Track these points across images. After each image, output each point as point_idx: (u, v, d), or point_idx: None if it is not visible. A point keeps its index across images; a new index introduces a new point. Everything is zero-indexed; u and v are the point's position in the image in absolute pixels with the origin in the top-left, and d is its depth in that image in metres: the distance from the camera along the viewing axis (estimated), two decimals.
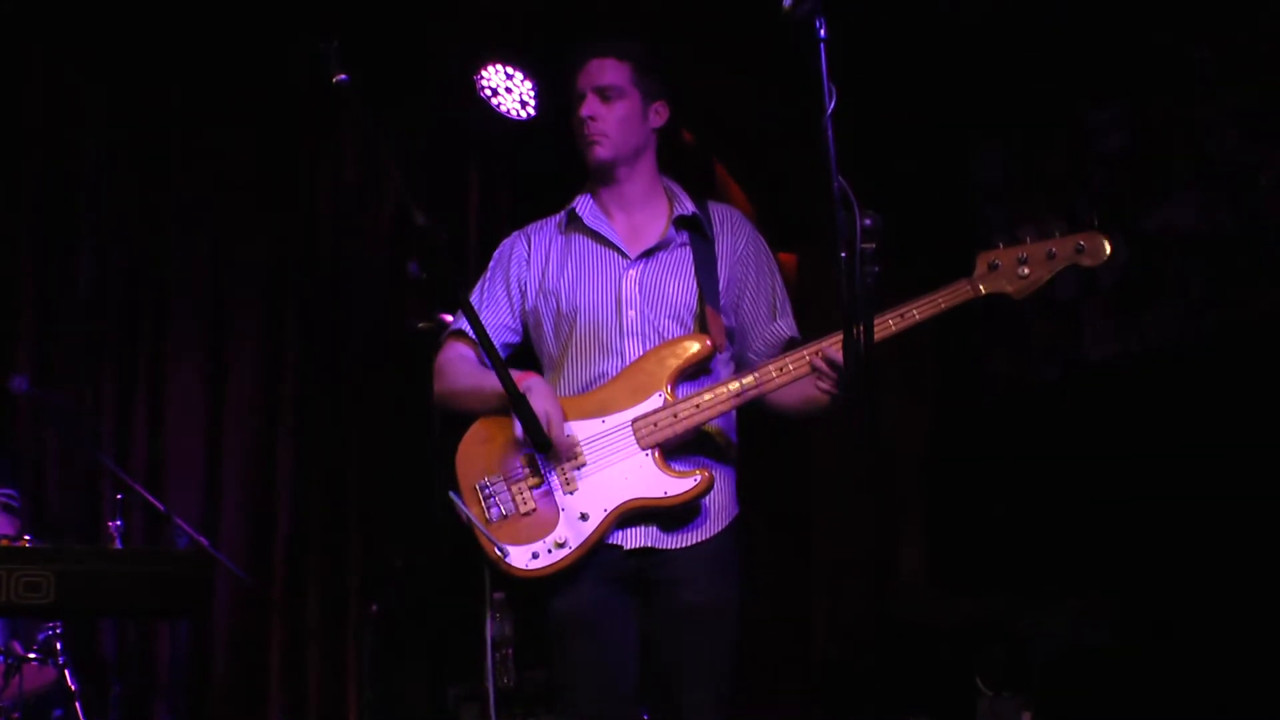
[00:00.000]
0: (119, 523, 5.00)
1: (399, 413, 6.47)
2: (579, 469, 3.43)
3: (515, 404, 3.24)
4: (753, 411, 3.59)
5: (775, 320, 3.65)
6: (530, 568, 3.36)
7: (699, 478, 3.40)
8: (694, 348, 3.48)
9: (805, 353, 3.39)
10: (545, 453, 3.34)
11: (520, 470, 3.45)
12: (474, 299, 3.70)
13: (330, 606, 6.52)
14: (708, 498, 3.45)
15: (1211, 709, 4.82)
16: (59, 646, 4.88)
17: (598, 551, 3.40)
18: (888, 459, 6.45)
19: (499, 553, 3.35)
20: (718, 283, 3.58)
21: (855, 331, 2.99)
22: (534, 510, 3.41)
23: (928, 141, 6.44)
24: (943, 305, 3.38)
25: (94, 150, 6.34)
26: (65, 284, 6.22)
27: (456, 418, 3.61)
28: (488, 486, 3.45)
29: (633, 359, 3.51)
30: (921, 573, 6.40)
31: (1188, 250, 5.58)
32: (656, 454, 3.42)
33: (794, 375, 3.41)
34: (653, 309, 3.54)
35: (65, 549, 2.94)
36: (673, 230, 3.62)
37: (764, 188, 7.11)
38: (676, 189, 3.70)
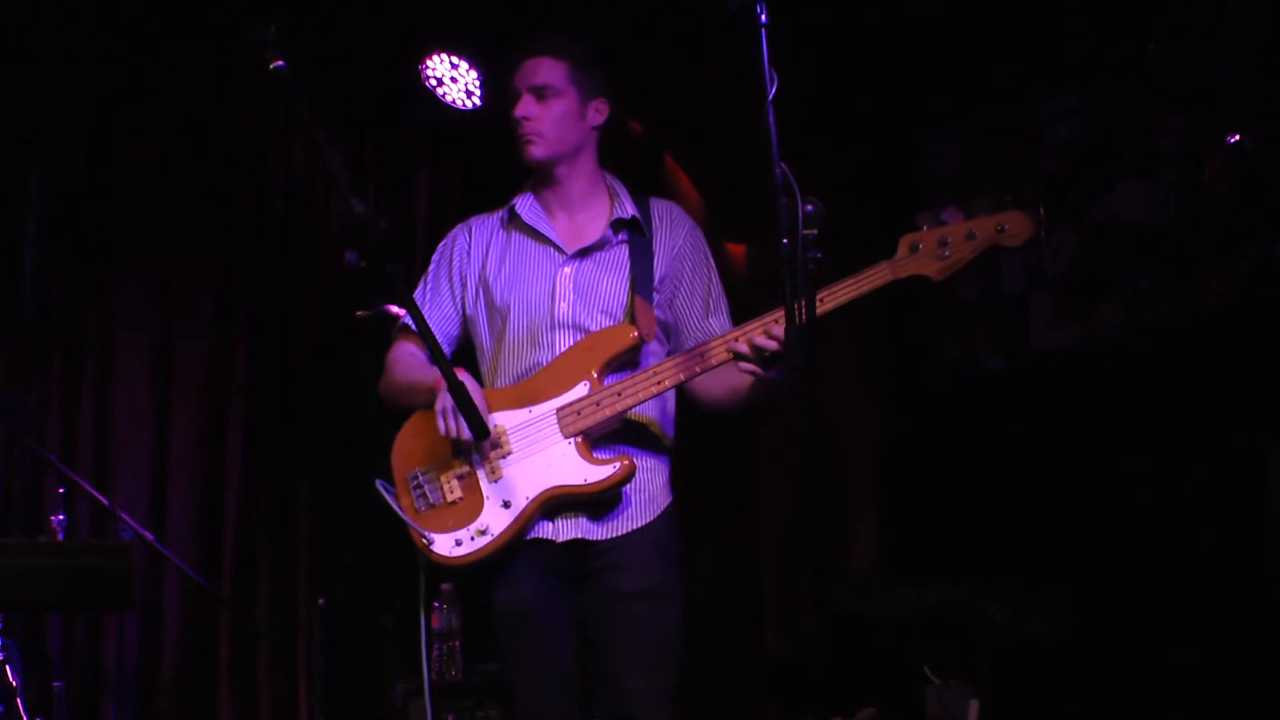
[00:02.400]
0: (62, 517, 4.96)
1: (350, 405, 6.44)
2: (505, 458, 3.48)
3: (454, 392, 3.25)
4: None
5: (708, 318, 3.68)
6: (453, 554, 3.44)
7: (618, 465, 3.43)
8: (620, 337, 3.50)
9: (726, 338, 3.40)
10: (483, 439, 3.35)
11: (449, 461, 3.51)
12: (418, 293, 3.75)
13: (280, 602, 6.49)
14: (635, 486, 3.49)
15: (1161, 700, 4.85)
16: (0, 642, 4.83)
17: (523, 541, 3.45)
18: (837, 448, 6.47)
19: (425, 540, 3.43)
20: (652, 278, 3.60)
21: (796, 315, 3.02)
22: (460, 499, 3.47)
23: (878, 131, 6.45)
24: (862, 289, 3.35)
25: (37, 143, 6.26)
26: (8, 277, 6.16)
27: (400, 412, 3.66)
28: (419, 476, 3.53)
29: (563, 350, 3.54)
30: (873, 563, 6.42)
31: (1135, 240, 5.62)
32: (579, 441, 3.45)
33: (714, 362, 3.43)
34: (585, 304, 3.57)
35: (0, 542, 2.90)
36: (610, 231, 3.64)
37: (712, 178, 7.11)
38: (619, 187, 3.73)
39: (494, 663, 5.25)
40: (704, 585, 6.72)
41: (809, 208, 3.03)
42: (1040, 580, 5.27)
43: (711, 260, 3.74)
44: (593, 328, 3.55)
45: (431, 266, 3.80)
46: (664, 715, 3.41)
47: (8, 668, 4.86)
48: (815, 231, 3.03)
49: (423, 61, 6.54)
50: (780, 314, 3.29)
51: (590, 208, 3.69)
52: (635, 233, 3.64)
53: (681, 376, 3.46)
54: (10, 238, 6.17)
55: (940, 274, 3.36)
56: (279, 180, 6.80)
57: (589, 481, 3.42)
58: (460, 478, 3.49)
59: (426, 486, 3.51)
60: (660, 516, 3.53)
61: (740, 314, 3.61)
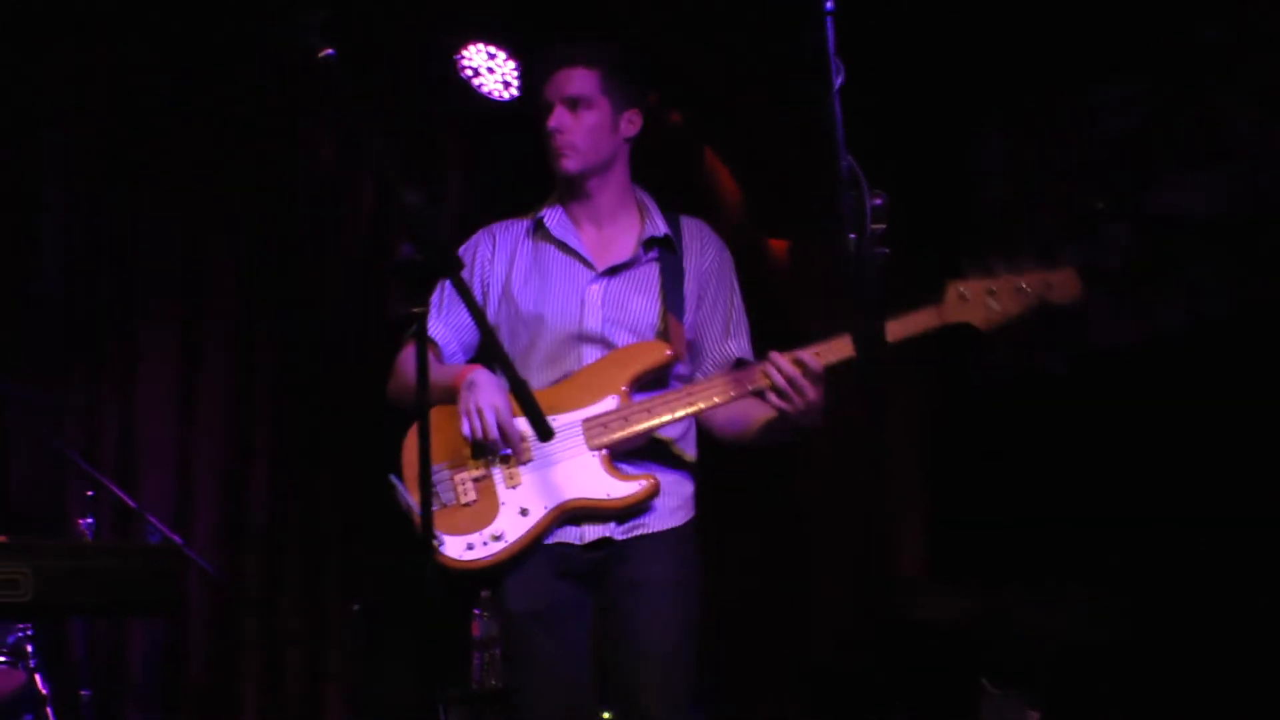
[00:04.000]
0: (90, 520, 4.97)
1: (381, 404, 6.42)
2: (524, 464, 3.46)
3: (518, 393, 3.15)
4: None
5: (727, 340, 3.66)
6: (464, 558, 3.41)
7: (643, 484, 3.44)
8: (654, 354, 3.51)
9: (765, 366, 3.38)
10: (547, 440, 3.33)
11: (464, 461, 3.50)
12: (435, 296, 3.72)
13: (309, 606, 6.47)
14: (659, 502, 3.48)
15: (1227, 705, 4.82)
16: (29, 649, 4.83)
17: (539, 549, 3.44)
18: (885, 451, 6.44)
19: (435, 541, 3.40)
20: (683, 297, 3.59)
21: (862, 319, 3.00)
22: (473, 502, 3.46)
23: (929, 121, 6.42)
24: (909, 330, 3.37)
25: (57, 136, 6.26)
26: (30, 274, 6.16)
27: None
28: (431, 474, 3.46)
29: (589, 363, 3.54)
30: (922, 568, 6.39)
31: (1196, 234, 5.58)
32: (604, 455, 3.45)
33: (750, 389, 3.41)
34: (613, 321, 3.56)
35: (43, 543, 2.90)
36: (640, 249, 3.63)
37: (755, 171, 7.09)
38: (649, 202, 3.72)
39: None
40: (746, 591, 6.76)
41: (876, 201, 3.01)
42: (1099, 585, 5.24)
43: (736, 282, 3.73)
44: (620, 344, 3.55)
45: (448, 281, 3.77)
46: (676, 709, 3.39)
47: (37, 677, 4.88)
48: (884, 226, 3.02)
49: (459, 51, 6.55)
50: (820, 348, 3.34)
51: (619, 221, 3.68)
52: (666, 250, 3.63)
53: (717, 399, 3.45)
54: (30, 234, 6.18)
55: (987, 325, 3.38)
56: (307, 174, 6.77)
57: (612, 497, 3.42)
58: (475, 480, 3.48)
59: (439, 486, 3.49)
60: (682, 528, 3.54)
61: (778, 313, 3.62)
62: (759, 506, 6.86)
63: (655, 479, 3.44)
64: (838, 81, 3.02)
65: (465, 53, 6.54)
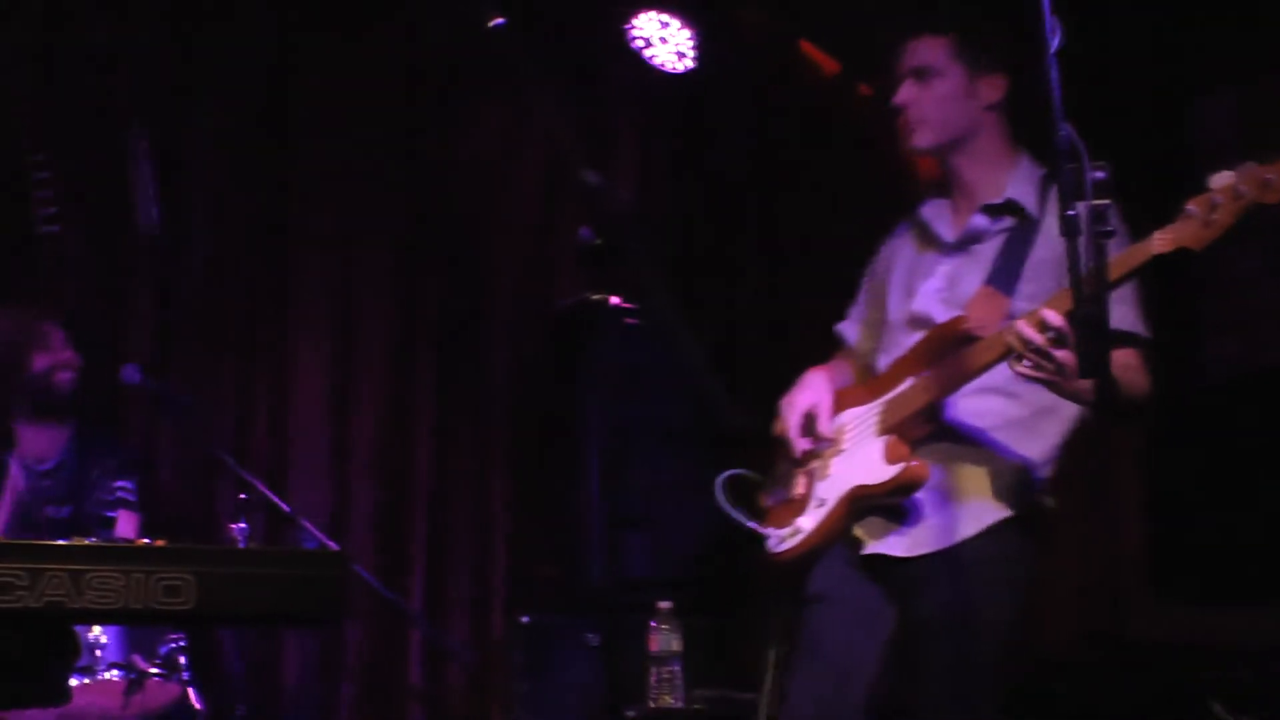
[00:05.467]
0: (244, 525, 5.07)
1: (551, 401, 6.46)
2: (837, 455, 3.62)
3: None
4: None
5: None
6: (775, 551, 3.65)
7: (900, 467, 3.43)
8: (948, 330, 3.49)
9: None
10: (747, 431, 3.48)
11: (806, 455, 3.71)
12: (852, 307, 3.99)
13: (473, 618, 6.55)
14: (945, 496, 3.45)
15: None
16: (182, 661, 4.95)
17: (835, 542, 3.56)
18: (1107, 459, 6.33)
19: (764, 536, 3.68)
20: (1021, 267, 3.50)
21: (1086, 298, 2.94)
22: (800, 495, 3.67)
23: (1143, 90, 6.30)
24: (1119, 271, 3.21)
25: (205, 119, 6.42)
26: (177, 266, 6.32)
27: None
28: (783, 472, 3.79)
29: (910, 347, 3.59)
30: (1139, 581, 6.27)
31: None
32: (890, 439, 3.49)
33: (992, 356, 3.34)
34: (947, 301, 3.58)
35: (204, 549, 2.97)
36: (984, 219, 3.59)
37: None
38: (1026, 170, 3.63)
39: (716, 686, 5.26)
40: None
41: (1098, 173, 2.95)
42: None
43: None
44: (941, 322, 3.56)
45: (863, 280, 3.97)
46: None
47: (190, 691, 5.00)
48: (1108, 201, 2.96)
49: (628, 20, 6.57)
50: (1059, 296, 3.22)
51: (988, 195, 3.62)
52: (1020, 218, 3.57)
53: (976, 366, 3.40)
54: (177, 228, 6.34)
55: (1201, 244, 3.22)
56: (467, 156, 6.83)
57: (876, 482, 3.46)
58: (809, 473, 3.68)
59: (784, 480, 3.75)
60: (981, 535, 3.45)
61: None
62: None
63: (919, 465, 3.43)
64: (1054, 43, 2.97)
65: (636, 21, 6.55)
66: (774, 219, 7.07)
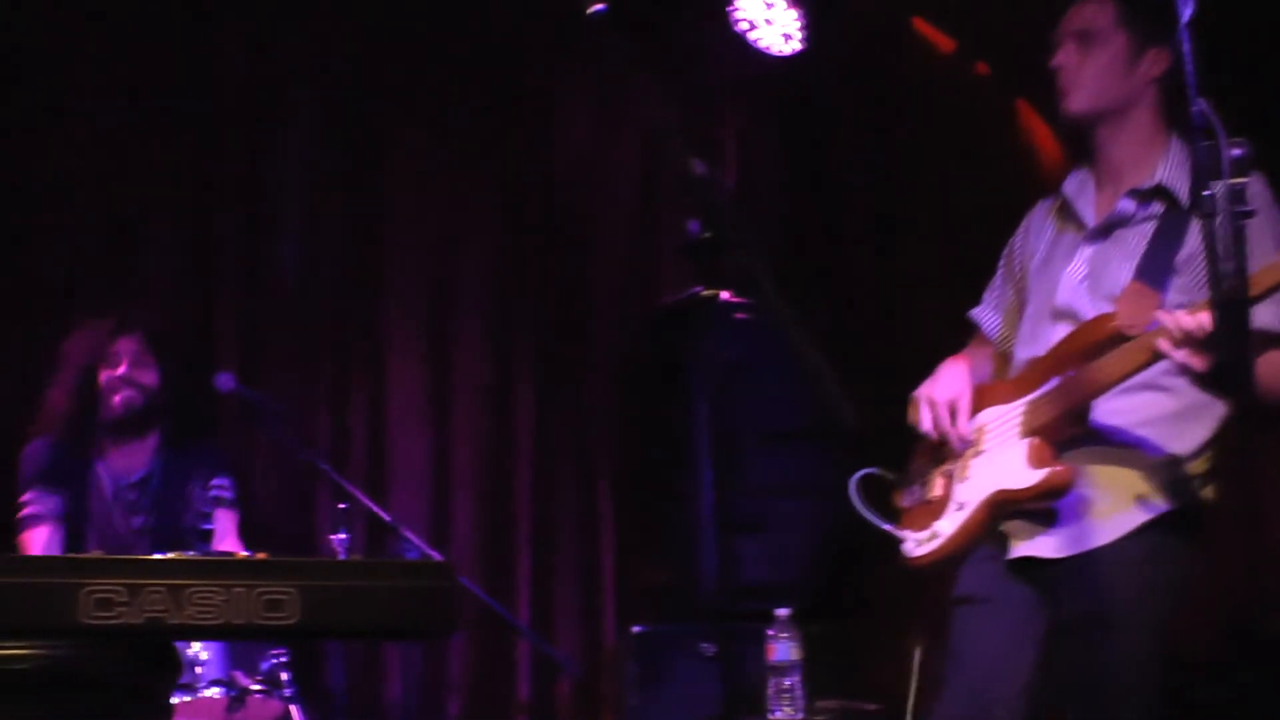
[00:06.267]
0: (343, 536, 5.10)
1: (656, 401, 6.46)
2: (976, 456, 3.61)
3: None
4: None
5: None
6: (913, 555, 3.67)
7: (1047, 472, 3.42)
8: (1095, 329, 3.44)
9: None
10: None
11: (942, 456, 3.72)
12: (985, 293, 3.99)
13: (583, 629, 6.58)
14: (1092, 497, 3.42)
15: None
16: (284, 677, 4.99)
17: (974, 547, 3.57)
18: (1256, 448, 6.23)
19: (901, 538, 3.69)
20: (1173, 258, 3.46)
21: (1222, 288, 2.90)
22: (937, 497, 3.67)
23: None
24: (1268, 283, 3.14)
25: (296, 115, 6.50)
26: (269, 269, 6.41)
27: None
28: (919, 472, 3.79)
29: (1055, 342, 3.55)
30: None
31: None
32: (1034, 442, 3.47)
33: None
34: (1091, 291, 3.54)
35: (309, 561, 2.97)
36: (1131, 204, 3.55)
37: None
38: (1181, 152, 3.56)
39: (837, 698, 5.24)
40: None
41: (1235, 151, 2.92)
42: None
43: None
44: (1086, 317, 3.51)
45: (1000, 262, 3.96)
46: None
47: (293, 709, 5.04)
48: (1245, 180, 2.92)
49: (731, 2, 6.56)
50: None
51: (1137, 176, 3.59)
52: (1170, 206, 3.52)
53: (1128, 367, 3.35)
54: (269, 232, 6.42)
55: None
56: (564, 150, 6.86)
57: (1020, 487, 3.46)
58: (946, 475, 3.68)
59: (921, 480, 3.76)
60: (1130, 536, 3.42)
61: None
62: None
63: (1065, 470, 3.41)
64: (1187, 12, 2.94)
65: (739, 2, 6.54)
66: (886, 207, 7.03)
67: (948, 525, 3.59)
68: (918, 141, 6.83)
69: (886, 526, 3.72)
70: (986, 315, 3.95)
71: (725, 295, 3.76)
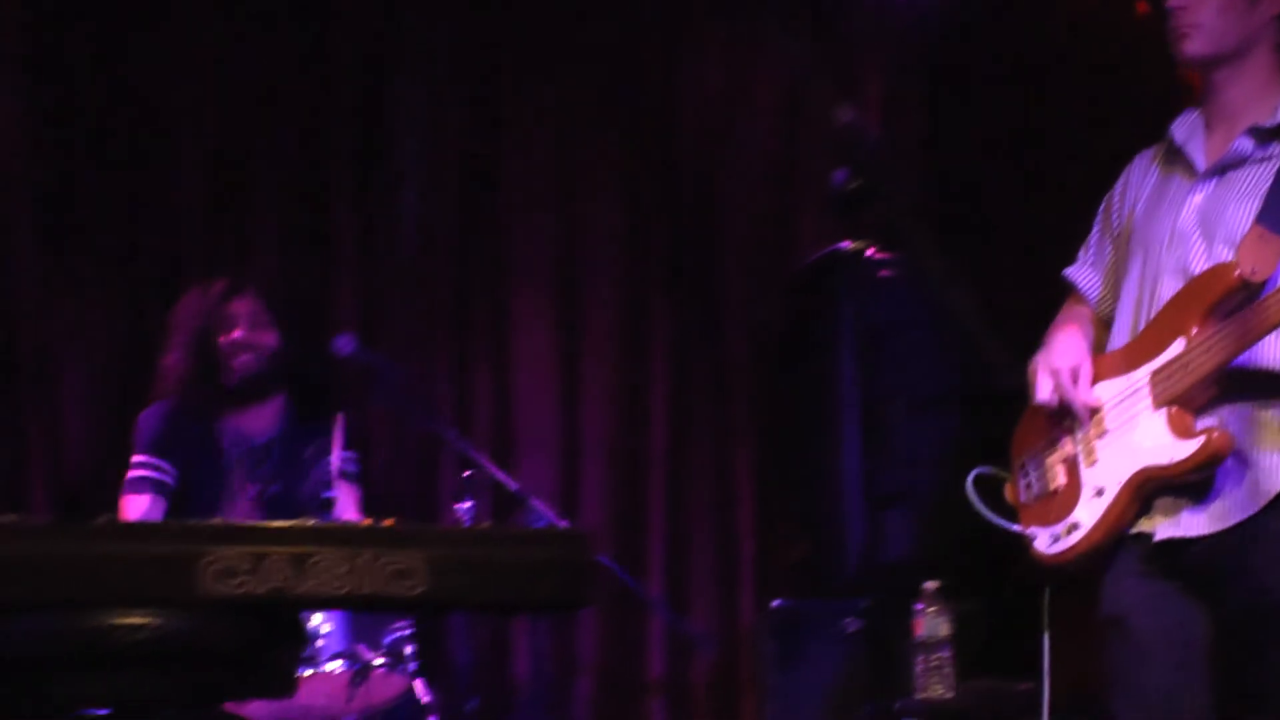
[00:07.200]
0: (469, 504, 5.11)
1: (796, 364, 6.41)
2: (1100, 437, 3.48)
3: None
4: None
5: None
6: (1049, 552, 3.53)
7: (1202, 439, 3.28)
8: (1217, 281, 3.34)
9: None
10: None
11: (1054, 442, 3.60)
12: (1081, 252, 3.86)
13: (719, 604, 6.57)
14: (1242, 461, 3.29)
15: None
16: (408, 651, 5.00)
17: (1123, 537, 3.41)
18: None
19: (1028, 536, 3.56)
20: None
21: None
22: (1061, 487, 3.54)
23: None
24: None
25: (412, 76, 6.53)
26: (389, 233, 6.45)
27: None
28: (1028, 463, 3.67)
29: (1166, 300, 3.44)
30: None
31: None
32: (1171, 412, 3.34)
33: None
34: (1205, 239, 3.43)
35: (438, 530, 2.98)
36: (1250, 143, 3.45)
37: None
38: None
39: (989, 677, 5.18)
40: None
41: None
42: None
43: None
44: (1196, 270, 3.40)
45: (1096, 218, 3.83)
46: None
47: (417, 684, 5.06)
48: None
49: None
50: None
51: (1257, 115, 3.48)
52: None
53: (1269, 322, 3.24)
54: (386, 195, 6.46)
55: None
56: (695, 99, 6.82)
57: (1173, 461, 3.32)
58: (1065, 461, 3.55)
59: (1034, 473, 3.63)
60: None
61: None
62: None
63: (1221, 434, 3.28)
64: None
65: None
66: (1036, 159, 6.91)
67: (1087, 515, 3.46)
68: (1071, 89, 6.71)
69: (1014, 527, 3.60)
70: (1084, 274, 3.82)
71: (870, 251, 3.70)
